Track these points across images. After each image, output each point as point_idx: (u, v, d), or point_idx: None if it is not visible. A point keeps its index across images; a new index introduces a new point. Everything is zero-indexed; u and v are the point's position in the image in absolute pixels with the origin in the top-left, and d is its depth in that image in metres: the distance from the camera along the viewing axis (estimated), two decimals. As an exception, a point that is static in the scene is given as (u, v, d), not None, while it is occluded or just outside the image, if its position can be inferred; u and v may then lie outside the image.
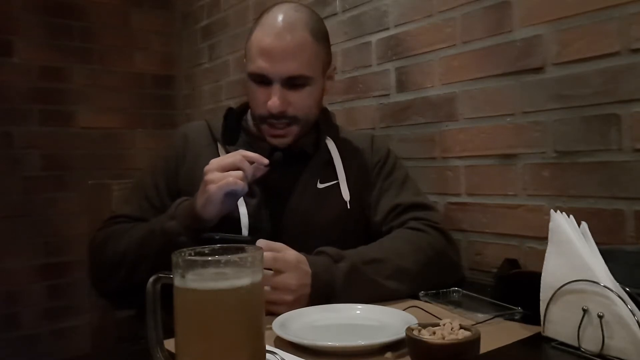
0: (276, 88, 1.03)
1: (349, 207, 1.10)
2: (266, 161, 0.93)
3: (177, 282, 0.56)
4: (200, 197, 0.92)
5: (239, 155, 0.93)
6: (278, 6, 1.06)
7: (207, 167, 0.93)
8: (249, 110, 1.16)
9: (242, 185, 0.89)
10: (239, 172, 0.90)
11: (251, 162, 0.92)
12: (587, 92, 1.03)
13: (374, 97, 1.52)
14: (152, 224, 0.99)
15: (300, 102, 1.05)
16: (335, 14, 1.63)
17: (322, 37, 1.08)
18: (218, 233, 0.91)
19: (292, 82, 1.03)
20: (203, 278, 0.55)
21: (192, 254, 0.58)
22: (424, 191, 1.24)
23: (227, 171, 0.91)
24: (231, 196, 0.92)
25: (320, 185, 1.10)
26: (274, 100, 1.02)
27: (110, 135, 2.43)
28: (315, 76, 1.06)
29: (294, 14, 1.04)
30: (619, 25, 0.98)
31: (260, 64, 1.02)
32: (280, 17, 1.03)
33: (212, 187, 0.89)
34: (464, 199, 1.29)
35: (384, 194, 1.14)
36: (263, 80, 1.04)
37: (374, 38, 1.51)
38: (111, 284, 1.03)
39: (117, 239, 1.02)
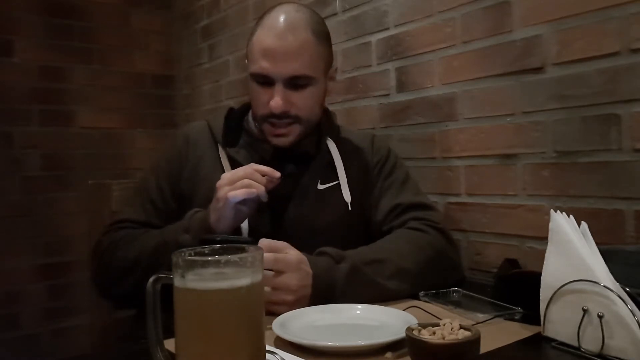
0: (278, 88, 1.03)
1: (349, 208, 1.10)
2: (278, 174, 0.93)
3: (177, 282, 0.56)
4: (213, 212, 0.93)
5: (250, 169, 0.93)
6: (279, 7, 1.06)
7: (218, 183, 0.94)
8: (250, 111, 1.16)
9: (253, 193, 0.90)
10: (248, 182, 0.91)
11: (263, 175, 0.93)
12: (587, 92, 1.03)
13: (374, 97, 1.52)
14: (165, 235, 0.98)
15: (303, 102, 1.05)
16: (335, 14, 1.63)
17: (324, 37, 1.08)
18: (219, 234, 0.92)
19: (295, 82, 1.03)
20: (203, 278, 0.55)
21: (192, 254, 0.58)
22: (424, 191, 1.24)
23: (239, 185, 0.91)
24: (243, 208, 0.93)
25: (320, 187, 1.10)
26: (276, 100, 1.02)
27: (110, 135, 2.43)
28: (317, 76, 1.06)
29: (296, 14, 1.04)
30: (619, 25, 0.98)
31: (262, 64, 1.02)
32: (282, 18, 1.03)
33: (223, 202, 0.90)
34: (464, 199, 1.29)
35: (384, 194, 1.14)
36: (265, 80, 1.04)
37: (374, 38, 1.51)
38: (119, 290, 1.03)
39: (127, 246, 1.01)
